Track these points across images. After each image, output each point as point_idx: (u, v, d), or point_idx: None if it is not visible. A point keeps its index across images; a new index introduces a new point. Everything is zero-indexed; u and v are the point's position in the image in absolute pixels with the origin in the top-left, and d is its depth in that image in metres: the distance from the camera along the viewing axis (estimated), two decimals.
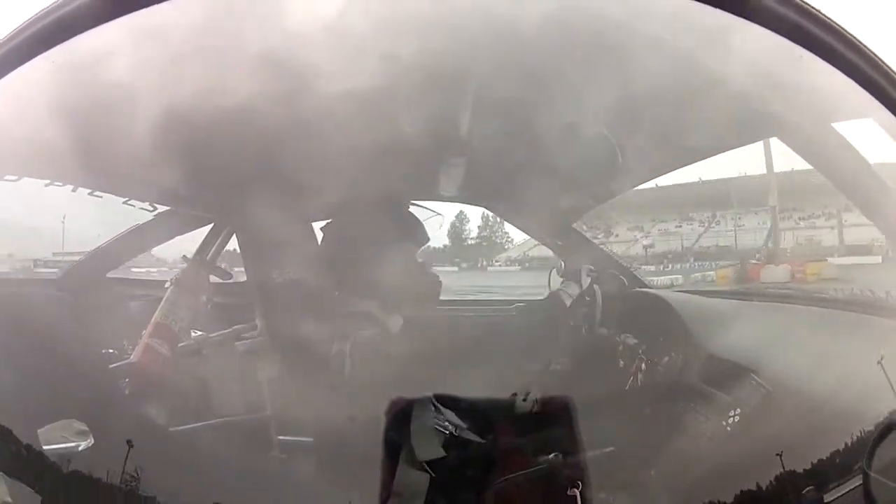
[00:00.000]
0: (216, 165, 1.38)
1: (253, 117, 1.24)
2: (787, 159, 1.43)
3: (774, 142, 1.41)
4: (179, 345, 1.53)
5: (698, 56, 1.19)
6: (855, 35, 0.93)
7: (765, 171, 1.75)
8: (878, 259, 1.55)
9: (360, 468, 1.02)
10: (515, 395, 1.06)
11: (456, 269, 2.34)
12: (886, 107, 0.94)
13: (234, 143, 1.33)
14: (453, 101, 1.38)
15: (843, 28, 0.92)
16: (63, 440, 0.92)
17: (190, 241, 1.89)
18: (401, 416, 0.99)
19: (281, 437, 1.23)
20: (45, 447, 0.90)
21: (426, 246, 1.81)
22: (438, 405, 1.01)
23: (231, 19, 1.17)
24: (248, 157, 1.39)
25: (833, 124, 1.20)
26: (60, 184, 1.49)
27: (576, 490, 0.92)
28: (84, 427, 0.95)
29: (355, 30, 1.17)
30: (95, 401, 1.12)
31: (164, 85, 1.18)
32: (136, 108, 1.16)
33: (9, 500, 0.79)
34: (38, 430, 0.91)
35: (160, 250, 1.92)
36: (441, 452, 0.95)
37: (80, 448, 0.92)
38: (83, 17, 0.94)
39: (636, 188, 2.00)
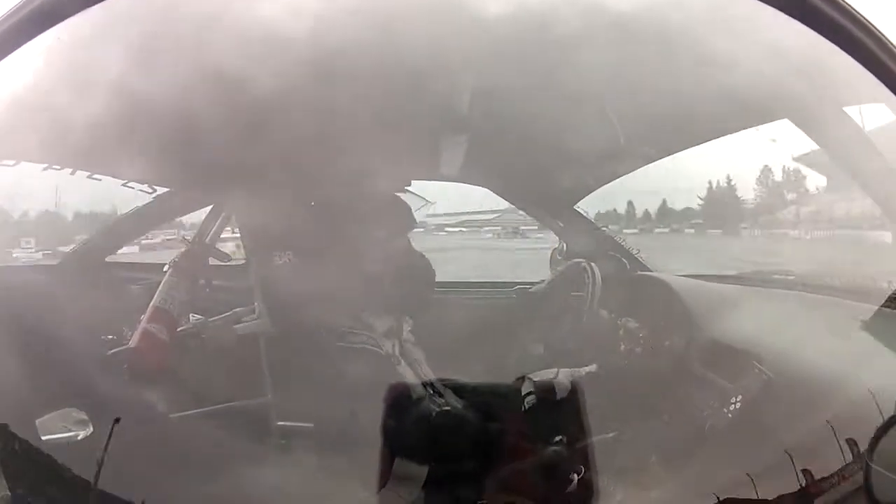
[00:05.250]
0: (215, 147, 1.36)
1: (251, 98, 1.22)
2: None
3: (785, 123, 1.39)
4: (178, 329, 1.52)
5: (708, 36, 1.17)
6: (867, 18, 0.90)
7: None
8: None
9: (360, 453, 1.02)
10: (519, 379, 1.06)
11: (454, 251, 2.33)
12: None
13: (232, 125, 1.31)
14: (454, 81, 1.36)
15: (857, 11, 0.90)
16: (62, 429, 0.92)
17: (189, 224, 1.89)
18: (400, 402, 0.99)
19: (280, 423, 1.23)
20: (43, 437, 0.90)
21: (421, 229, 1.80)
22: (438, 390, 1.01)
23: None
24: (246, 138, 1.37)
25: (845, 108, 1.18)
26: (58, 167, 1.48)
27: (575, 475, 0.93)
28: (83, 416, 0.95)
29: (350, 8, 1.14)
30: (94, 387, 1.11)
31: (162, 66, 1.16)
32: (133, 90, 1.15)
33: (7, 493, 0.79)
34: (37, 420, 0.91)
35: (159, 233, 1.91)
36: (440, 438, 0.96)
37: (79, 437, 0.93)
38: None
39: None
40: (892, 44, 0.91)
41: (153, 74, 1.16)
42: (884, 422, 0.80)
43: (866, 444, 0.80)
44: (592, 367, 1.24)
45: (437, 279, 1.77)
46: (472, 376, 1.10)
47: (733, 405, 1.22)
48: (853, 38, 0.92)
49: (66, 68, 1.13)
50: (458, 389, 1.02)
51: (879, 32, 0.90)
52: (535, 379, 1.07)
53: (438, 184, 2.07)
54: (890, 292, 1.20)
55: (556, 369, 1.12)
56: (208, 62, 1.16)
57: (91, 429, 0.93)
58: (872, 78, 0.93)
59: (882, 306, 1.19)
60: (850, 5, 0.90)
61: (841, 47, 0.93)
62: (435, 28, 1.18)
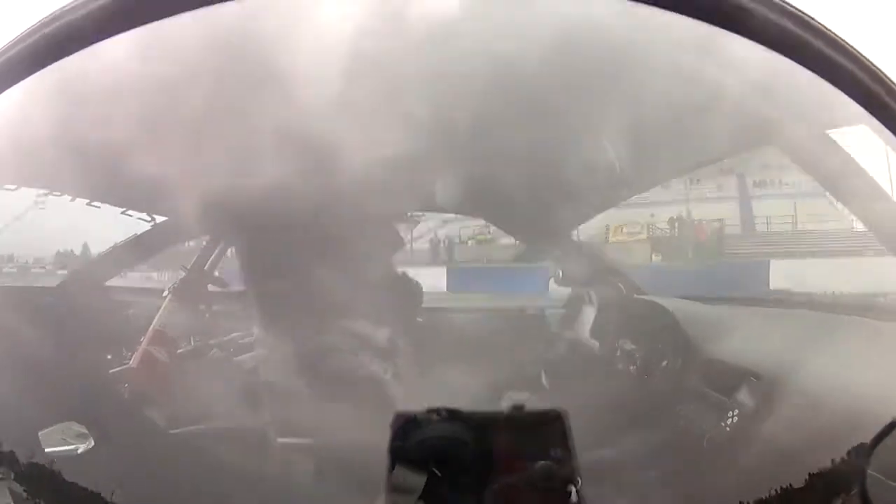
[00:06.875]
0: (214, 180, 1.38)
1: (249, 124, 1.25)
2: None
3: (771, 150, 1.43)
4: (178, 351, 1.53)
5: (694, 69, 1.21)
6: (842, 38, 0.94)
7: None
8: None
9: (357, 471, 1.02)
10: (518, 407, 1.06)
11: (449, 275, 2.34)
12: (877, 116, 0.96)
13: (230, 150, 1.33)
14: (450, 115, 1.39)
15: (832, 32, 0.94)
16: (62, 443, 0.92)
17: (188, 251, 1.90)
18: (395, 425, 0.99)
19: (281, 440, 1.22)
20: (45, 450, 0.90)
21: (413, 252, 1.82)
22: (436, 417, 1.01)
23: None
24: (243, 164, 1.40)
25: (828, 131, 1.22)
26: (59, 193, 1.50)
27: (573, 488, 0.93)
28: (83, 430, 0.95)
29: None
30: (95, 405, 1.11)
31: (166, 99, 1.19)
32: (135, 122, 1.18)
33: (9, 502, 0.79)
34: (39, 433, 0.91)
35: (158, 260, 1.92)
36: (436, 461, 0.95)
37: (79, 451, 0.92)
38: (87, 30, 0.96)
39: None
40: (873, 66, 0.94)
41: (154, 106, 1.19)
42: (880, 430, 0.80)
43: (863, 452, 0.80)
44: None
45: (436, 303, 1.78)
46: (468, 399, 1.10)
47: (730, 419, 1.22)
48: (835, 63, 0.96)
49: (69, 99, 1.16)
50: (455, 413, 1.02)
51: (860, 54, 0.94)
52: None
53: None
54: (884, 307, 1.22)
55: None
56: (205, 90, 1.19)
57: (91, 442, 0.93)
58: (853, 103, 0.97)
59: (876, 320, 1.21)
60: (829, 30, 0.94)
61: (822, 75, 0.97)
62: (429, 57, 1.22)
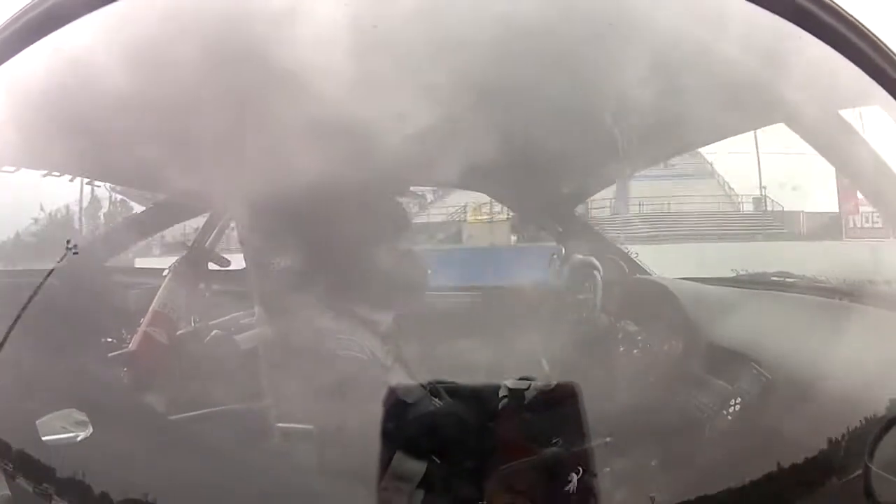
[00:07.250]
0: (213, 154, 1.36)
1: (249, 105, 1.23)
2: None
3: (781, 127, 1.40)
4: (178, 333, 1.53)
5: (704, 40, 1.18)
6: (858, 19, 0.92)
7: None
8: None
9: (359, 453, 1.02)
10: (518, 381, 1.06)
11: (450, 254, 2.33)
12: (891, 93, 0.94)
13: (230, 131, 1.31)
14: (452, 87, 1.36)
15: (846, 12, 0.91)
16: (62, 430, 0.92)
17: (189, 229, 1.89)
18: (397, 403, 0.99)
19: (280, 425, 1.23)
20: (43, 437, 0.90)
21: (414, 231, 1.81)
22: (436, 392, 1.01)
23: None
24: (243, 145, 1.38)
25: (840, 111, 1.19)
26: (58, 174, 1.48)
27: (574, 476, 0.93)
28: (83, 417, 0.94)
29: None
30: (94, 390, 1.12)
31: (163, 74, 1.17)
32: (133, 97, 1.16)
33: (7, 492, 0.79)
34: (37, 421, 0.91)
35: (158, 238, 1.91)
36: (438, 440, 0.96)
37: (78, 438, 0.92)
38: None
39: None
40: (887, 46, 0.92)
41: (154, 78, 1.17)
42: (883, 424, 0.80)
43: (866, 447, 0.79)
44: None
45: (436, 283, 1.77)
46: (469, 378, 1.10)
47: (732, 407, 1.22)
48: (848, 41, 0.93)
49: (66, 73, 1.14)
50: (456, 391, 1.02)
51: (874, 35, 0.92)
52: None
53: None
54: (888, 294, 1.20)
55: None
56: (208, 66, 1.17)
57: (91, 430, 0.93)
58: (868, 80, 0.94)
59: (880, 308, 1.20)
60: (843, 9, 0.91)
61: (837, 50, 0.94)
62: (429, 32, 1.19)
